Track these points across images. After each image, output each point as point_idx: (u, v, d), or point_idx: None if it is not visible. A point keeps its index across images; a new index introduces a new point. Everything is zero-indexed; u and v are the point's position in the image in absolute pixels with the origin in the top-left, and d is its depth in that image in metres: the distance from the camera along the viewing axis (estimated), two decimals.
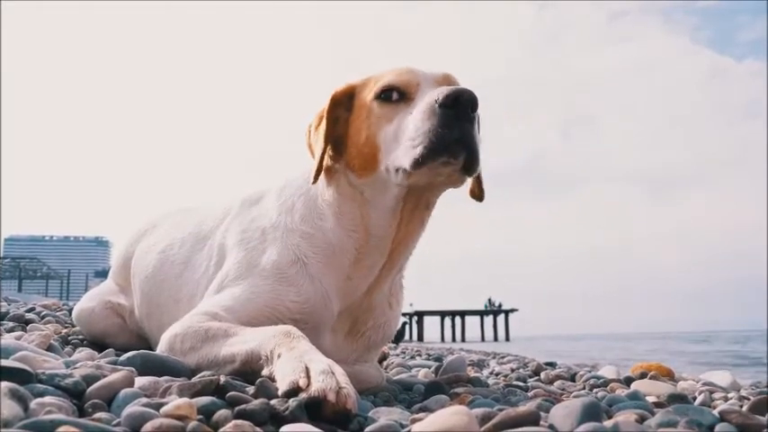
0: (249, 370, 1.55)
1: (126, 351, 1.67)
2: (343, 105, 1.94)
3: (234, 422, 1.07)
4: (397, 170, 1.75)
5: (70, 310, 3.42)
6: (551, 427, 1.19)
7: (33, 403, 1.04)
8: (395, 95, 1.82)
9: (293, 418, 1.16)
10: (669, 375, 2.91)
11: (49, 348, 2.00)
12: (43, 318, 3.15)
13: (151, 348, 1.95)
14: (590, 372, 2.87)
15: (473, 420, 1.08)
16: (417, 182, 1.77)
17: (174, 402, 1.08)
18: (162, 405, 1.09)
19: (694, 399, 2.04)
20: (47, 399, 1.09)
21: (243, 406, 1.15)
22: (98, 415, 1.10)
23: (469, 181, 1.93)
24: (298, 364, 1.36)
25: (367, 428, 1.15)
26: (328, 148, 1.93)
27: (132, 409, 1.07)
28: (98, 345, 2.44)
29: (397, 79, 1.84)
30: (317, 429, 1.09)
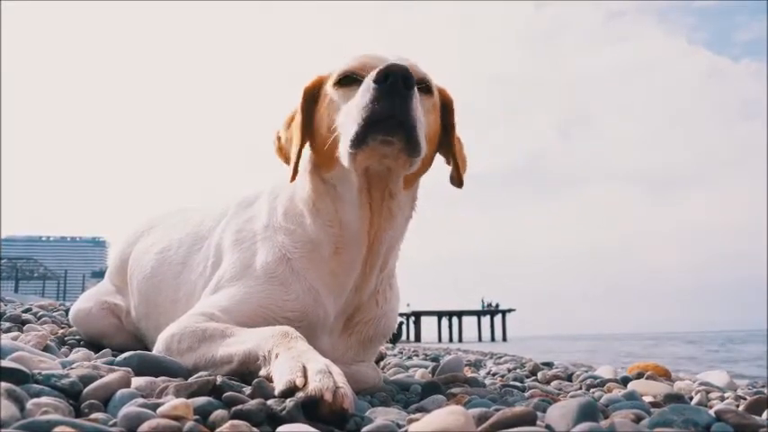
0: (246, 370, 1.55)
1: (123, 351, 1.67)
2: (315, 100, 1.94)
3: (230, 422, 1.07)
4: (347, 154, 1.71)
5: (67, 311, 3.41)
6: (548, 427, 1.19)
7: (30, 404, 1.04)
8: (350, 81, 1.80)
9: (290, 418, 1.16)
10: (666, 375, 2.91)
11: (46, 349, 2.00)
12: (40, 318, 3.15)
13: (148, 349, 1.94)
14: (587, 372, 2.88)
15: (470, 420, 1.08)
16: (364, 164, 1.73)
17: (171, 403, 1.08)
18: (158, 405, 1.09)
19: (691, 399, 2.05)
20: (43, 399, 1.09)
21: (240, 406, 1.15)
22: (95, 415, 1.10)
23: (447, 169, 2.00)
24: (295, 363, 1.36)
25: (364, 428, 1.15)
26: (305, 143, 1.94)
27: (129, 409, 1.07)
28: (95, 345, 2.44)
29: (355, 63, 1.83)
30: (313, 429, 1.09)
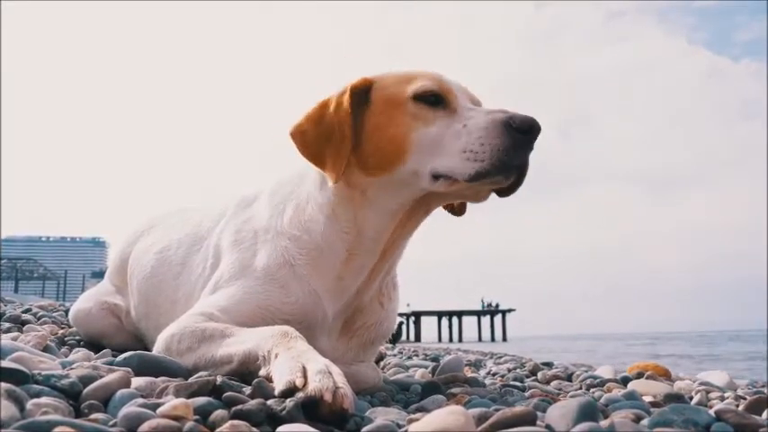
0: (246, 370, 1.55)
1: (123, 352, 1.67)
2: (356, 99, 1.90)
3: (230, 422, 1.07)
4: (436, 176, 1.75)
5: (67, 311, 3.42)
6: (548, 427, 1.19)
7: (30, 404, 1.04)
8: (433, 100, 1.81)
9: (290, 418, 1.16)
10: (666, 375, 2.91)
11: (46, 349, 2.00)
12: (40, 318, 3.15)
13: (148, 349, 1.94)
14: (587, 372, 2.87)
15: (470, 420, 1.08)
16: (456, 191, 1.79)
17: (171, 403, 1.08)
18: (158, 405, 1.09)
19: (691, 398, 2.05)
20: (43, 399, 1.09)
21: (239, 406, 1.15)
22: (95, 416, 1.10)
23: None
24: (295, 363, 1.36)
25: (364, 428, 1.15)
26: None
27: (129, 409, 1.07)
28: (95, 345, 2.44)
29: (438, 85, 1.83)
30: (313, 429, 1.09)
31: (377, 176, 1.84)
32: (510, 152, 1.66)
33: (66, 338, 2.61)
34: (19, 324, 2.82)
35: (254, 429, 1.07)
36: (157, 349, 1.76)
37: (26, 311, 3.42)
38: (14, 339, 1.97)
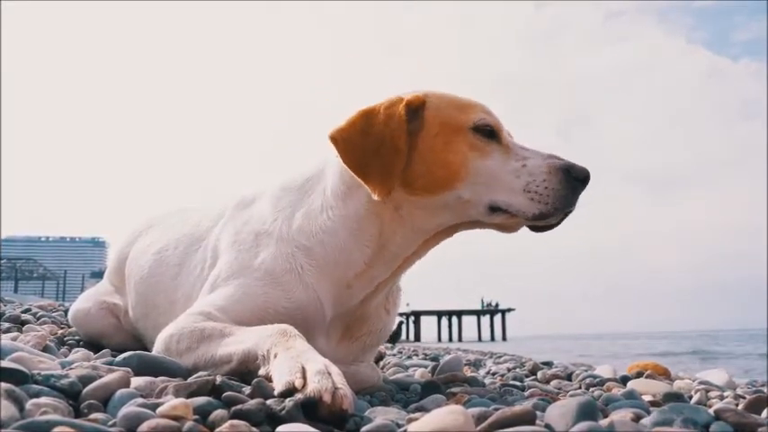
0: (246, 370, 1.55)
1: (122, 351, 1.66)
2: (407, 114, 1.88)
3: (230, 422, 1.07)
4: (494, 208, 1.82)
5: (66, 311, 3.41)
6: (547, 426, 1.19)
7: (29, 404, 1.04)
8: (489, 133, 1.86)
9: (289, 418, 1.16)
10: (665, 374, 2.92)
11: (45, 349, 2.00)
12: (39, 318, 3.15)
13: (147, 349, 1.94)
14: (586, 371, 2.88)
15: (469, 420, 1.08)
16: (505, 224, 1.86)
17: (171, 403, 1.08)
18: (158, 405, 1.09)
19: (690, 398, 2.05)
20: (42, 399, 1.09)
21: (239, 406, 1.15)
22: (94, 415, 1.10)
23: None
24: (294, 364, 1.36)
25: (363, 428, 1.15)
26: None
27: (128, 409, 1.07)
28: (94, 345, 2.44)
29: (494, 121, 1.89)
30: (313, 429, 1.09)
31: (419, 197, 1.85)
32: (569, 198, 1.80)
33: (65, 338, 2.61)
34: (18, 324, 2.82)
35: (253, 429, 1.07)
36: (157, 349, 1.76)
37: (26, 311, 3.41)
38: (14, 339, 1.96)
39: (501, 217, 1.83)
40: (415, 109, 1.87)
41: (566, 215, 1.84)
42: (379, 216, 1.89)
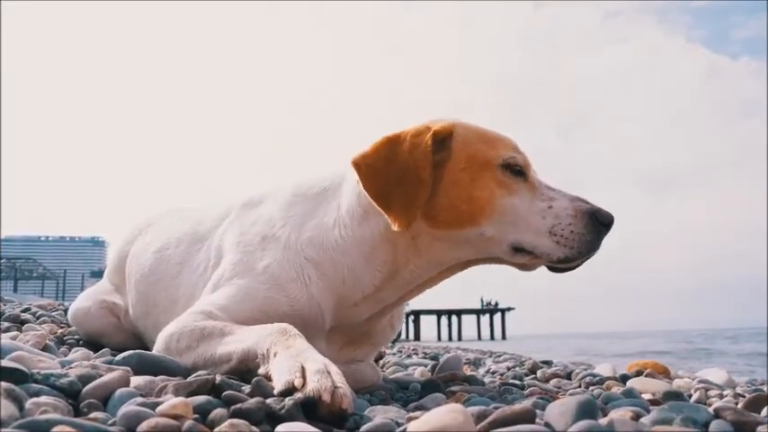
0: (245, 368, 1.55)
1: (122, 351, 1.66)
2: (434, 145, 1.83)
3: (230, 421, 1.07)
4: (518, 249, 1.80)
5: (66, 310, 3.41)
6: (547, 425, 1.19)
7: (29, 403, 1.04)
8: (517, 171, 1.85)
9: (289, 417, 1.16)
10: (665, 373, 2.92)
11: (45, 348, 2.00)
12: (39, 318, 3.14)
13: (146, 348, 1.94)
14: (586, 370, 2.88)
15: (469, 419, 1.08)
16: (523, 263, 1.85)
17: (170, 402, 1.08)
18: (158, 404, 1.09)
19: (690, 396, 2.05)
20: (42, 398, 1.09)
21: (239, 405, 1.15)
22: (94, 414, 1.10)
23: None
24: (294, 363, 1.36)
25: (363, 427, 1.15)
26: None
27: (128, 408, 1.07)
28: (94, 344, 2.43)
29: (523, 159, 1.87)
30: (312, 428, 1.09)
31: (440, 230, 1.82)
32: (594, 243, 1.79)
33: (65, 338, 2.61)
34: (18, 323, 2.82)
35: (253, 428, 1.07)
36: (157, 348, 1.76)
37: (25, 311, 3.41)
38: (14, 339, 1.96)
39: (525, 258, 1.82)
40: (442, 139, 1.83)
41: (588, 258, 1.83)
42: (395, 243, 1.86)
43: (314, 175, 2.11)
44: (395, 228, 1.76)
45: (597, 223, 1.79)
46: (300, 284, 1.87)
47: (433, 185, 1.79)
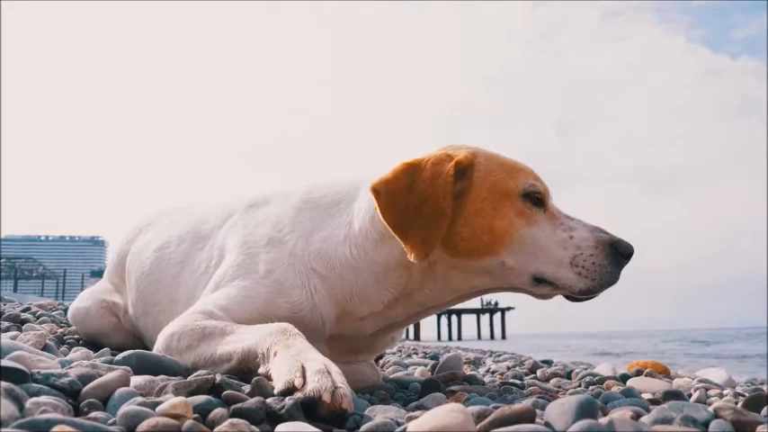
0: (246, 368, 1.55)
1: (121, 350, 1.67)
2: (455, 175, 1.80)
3: (230, 421, 1.07)
4: (539, 280, 1.80)
5: (66, 310, 3.41)
6: (547, 424, 1.19)
7: (29, 403, 1.04)
8: (537, 200, 1.84)
9: (289, 416, 1.16)
10: (665, 372, 2.92)
11: (45, 348, 2.00)
12: (39, 317, 3.14)
13: (146, 347, 1.94)
14: (586, 369, 2.88)
15: (469, 418, 1.08)
16: (544, 293, 1.84)
17: (170, 401, 1.08)
18: (158, 404, 1.09)
19: (690, 396, 2.05)
20: (42, 398, 1.09)
21: (239, 405, 1.15)
22: (94, 414, 1.10)
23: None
24: (294, 363, 1.36)
25: (363, 426, 1.15)
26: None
27: (128, 408, 1.07)
28: (94, 344, 2.43)
29: (543, 188, 1.86)
30: (312, 428, 1.09)
31: (459, 259, 1.81)
32: (614, 274, 1.79)
33: (65, 337, 2.61)
34: (18, 323, 2.82)
35: (253, 428, 1.07)
36: (157, 348, 1.76)
37: (25, 310, 3.41)
38: (14, 338, 1.96)
39: (546, 289, 1.81)
40: (464, 169, 1.81)
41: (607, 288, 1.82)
42: (410, 269, 1.85)
43: (327, 184, 2.08)
44: (411, 259, 1.73)
45: (617, 254, 1.78)
46: (306, 292, 1.86)
47: (453, 215, 1.76)
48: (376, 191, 1.78)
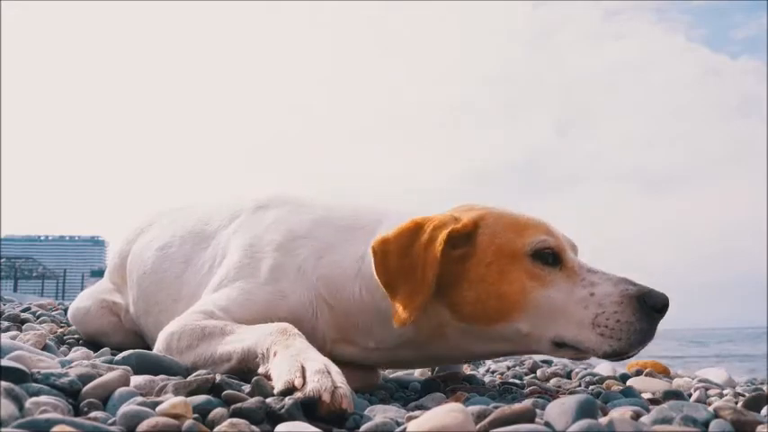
0: (245, 368, 1.55)
1: (121, 350, 1.66)
2: (453, 241, 1.72)
3: (230, 421, 1.07)
4: (560, 344, 1.69)
5: (66, 310, 3.41)
6: (547, 424, 1.19)
7: (29, 402, 1.04)
8: (550, 257, 1.72)
9: (289, 416, 1.16)
10: (665, 372, 2.91)
11: (45, 348, 2.00)
12: (39, 317, 3.14)
13: (147, 347, 1.94)
14: (586, 369, 2.88)
15: (468, 418, 1.08)
16: (568, 357, 1.75)
17: (170, 401, 1.08)
18: (157, 404, 1.09)
19: (690, 395, 2.05)
20: (42, 398, 1.09)
21: (238, 404, 1.15)
22: (94, 414, 1.10)
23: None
24: (293, 363, 1.36)
25: (363, 426, 1.15)
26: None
27: (128, 408, 1.07)
28: (94, 344, 2.43)
29: (555, 242, 1.73)
30: (312, 428, 1.09)
31: (468, 324, 1.73)
32: (646, 332, 1.63)
33: (65, 337, 2.61)
34: (18, 323, 2.82)
35: (253, 428, 1.07)
36: (158, 347, 1.76)
37: (25, 310, 3.40)
38: (13, 338, 1.96)
39: (569, 352, 1.70)
40: (467, 234, 1.73)
41: (642, 347, 1.68)
42: (419, 326, 1.74)
43: (350, 207, 2.04)
44: (394, 323, 1.66)
45: (648, 308, 1.63)
46: (311, 312, 1.84)
47: (457, 280, 1.70)
48: (374, 249, 1.73)
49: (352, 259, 1.87)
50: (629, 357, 1.70)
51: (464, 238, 1.73)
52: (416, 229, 1.74)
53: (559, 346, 1.69)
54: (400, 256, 1.70)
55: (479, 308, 1.70)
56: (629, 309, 1.63)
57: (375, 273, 1.72)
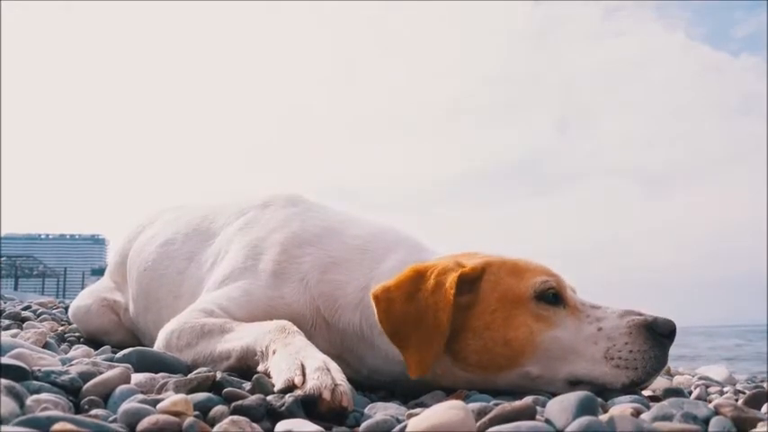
0: (245, 366, 1.55)
1: (122, 348, 1.67)
2: (460, 287, 1.67)
3: (230, 418, 1.07)
4: (575, 382, 1.64)
5: (66, 308, 3.41)
6: (547, 421, 1.19)
7: (29, 400, 1.04)
8: (553, 297, 1.70)
9: (289, 413, 1.16)
10: (665, 370, 2.92)
11: (46, 346, 2.00)
12: (39, 315, 3.14)
13: (146, 344, 1.94)
14: None
15: (469, 415, 1.08)
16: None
17: (171, 398, 1.08)
18: (158, 401, 1.09)
19: (690, 393, 2.05)
20: (43, 396, 1.09)
21: (239, 402, 1.15)
22: (94, 411, 1.10)
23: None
24: (293, 361, 1.36)
25: (363, 423, 1.15)
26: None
27: (128, 405, 1.07)
28: (94, 342, 2.44)
29: (556, 282, 1.72)
30: (313, 425, 1.09)
31: (474, 373, 1.69)
32: (660, 358, 1.64)
33: (65, 335, 2.61)
34: (19, 321, 2.82)
35: (253, 425, 1.07)
36: (158, 345, 1.76)
37: (26, 309, 3.41)
38: (14, 336, 1.96)
39: (586, 389, 1.58)
40: (471, 281, 1.70)
41: (659, 374, 1.68)
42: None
43: (366, 225, 2.01)
44: (410, 375, 1.61)
45: (657, 335, 1.64)
46: (309, 326, 1.82)
47: (461, 328, 1.66)
48: (376, 297, 1.69)
49: (355, 287, 1.85)
50: (645, 388, 1.69)
51: (469, 285, 1.70)
52: (418, 276, 1.70)
53: (574, 384, 1.65)
54: (407, 300, 1.66)
55: (486, 356, 1.66)
56: (639, 338, 1.64)
57: (378, 321, 1.67)
